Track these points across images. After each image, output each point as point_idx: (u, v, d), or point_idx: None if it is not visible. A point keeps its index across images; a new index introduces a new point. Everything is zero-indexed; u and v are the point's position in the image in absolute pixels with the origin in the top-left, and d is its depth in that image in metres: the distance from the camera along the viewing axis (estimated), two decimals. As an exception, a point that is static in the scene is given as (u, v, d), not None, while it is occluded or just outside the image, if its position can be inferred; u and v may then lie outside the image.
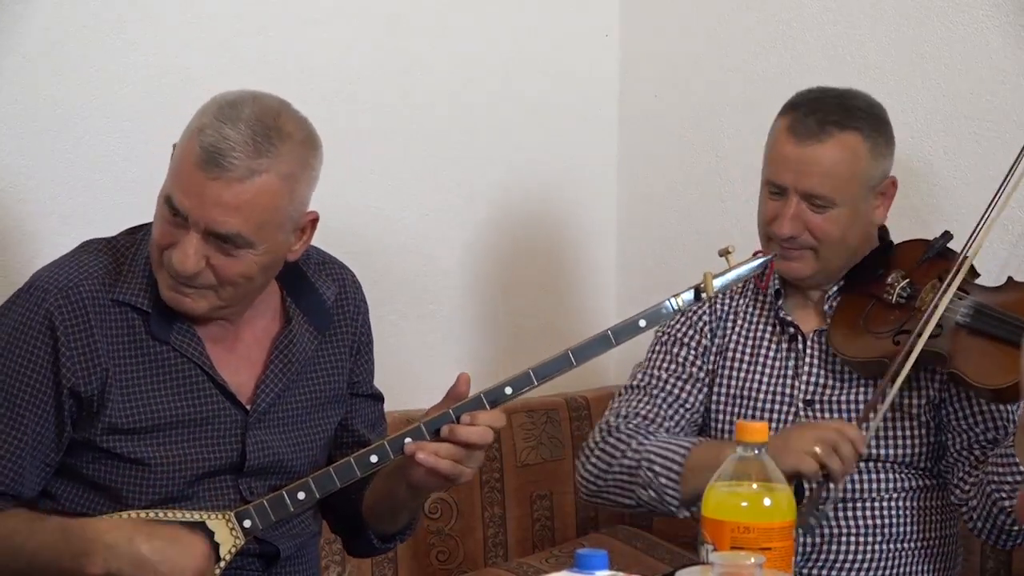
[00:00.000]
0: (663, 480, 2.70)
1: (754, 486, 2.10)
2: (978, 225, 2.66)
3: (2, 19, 2.89)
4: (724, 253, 2.42)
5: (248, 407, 2.43)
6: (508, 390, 2.38)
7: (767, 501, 2.09)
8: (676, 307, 2.41)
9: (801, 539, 2.72)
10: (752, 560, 1.94)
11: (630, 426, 2.82)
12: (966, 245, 2.66)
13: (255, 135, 2.28)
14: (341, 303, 2.56)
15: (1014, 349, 2.58)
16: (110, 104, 3.00)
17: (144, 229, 2.45)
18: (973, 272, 2.73)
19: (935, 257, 2.76)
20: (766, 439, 2.13)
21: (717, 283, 2.41)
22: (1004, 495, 2.60)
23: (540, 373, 2.38)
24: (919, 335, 2.61)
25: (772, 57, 3.48)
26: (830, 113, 2.73)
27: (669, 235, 3.71)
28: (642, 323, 2.41)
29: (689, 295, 2.41)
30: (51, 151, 2.96)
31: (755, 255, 2.52)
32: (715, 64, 3.59)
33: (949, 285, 2.62)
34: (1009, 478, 2.59)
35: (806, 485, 2.61)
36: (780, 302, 2.85)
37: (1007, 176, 2.68)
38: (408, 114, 3.45)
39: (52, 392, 2.35)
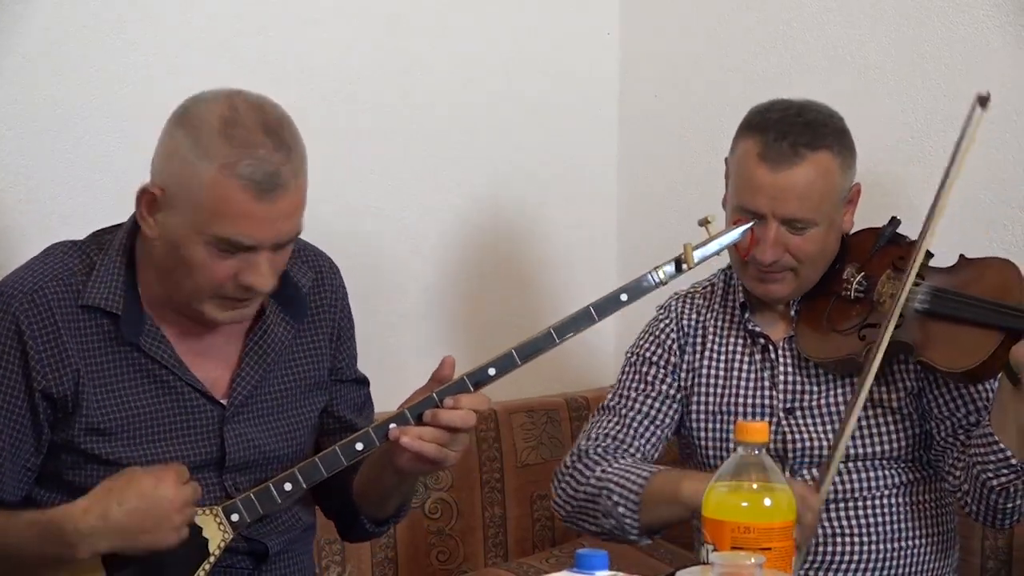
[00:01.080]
0: (621, 509, 2.70)
1: (754, 486, 2.10)
2: (929, 214, 2.63)
3: (2, 19, 2.89)
4: (704, 223, 2.41)
5: (224, 402, 2.43)
6: (492, 371, 2.37)
7: (767, 501, 2.09)
8: (657, 280, 2.40)
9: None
10: (752, 560, 1.94)
11: (598, 450, 2.81)
12: (921, 235, 2.64)
13: (274, 142, 2.27)
14: (318, 289, 2.55)
15: (977, 328, 2.59)
16: (110, 104, 3.00)
17: (115, 232, 2.44)
18: (927, 254, 2.70)
19: (886, 245, 2.76)
20: (766, 439, 2.13)
21: (697, 254, 2.40)
22: (991, 474, 2.60)
23: (523, 352, 2.37)
24: (883, 334, 2.58)
25: (772, 57, 3.47)
26: (800, 135, 2.70)
27: (669, 235, 3.70)
28: (624, 297, 2.40)
29: (670, 267, 2.40)
30: (51, 151, 2.96)
31: (735, 223, 2.51)
32: (715, 64, 3.59)
33: (907, 279, 2.61)
34: (992, 457, 2.59)
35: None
36: (747, 314, 2.84)
37: (951, 161, 2.62)
38: (408, 114, 3.44)
39: (25, 396, 2.34)
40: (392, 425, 2.35)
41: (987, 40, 3.16)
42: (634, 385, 2.88)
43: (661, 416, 2.86)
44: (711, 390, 2.85)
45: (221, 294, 2.33)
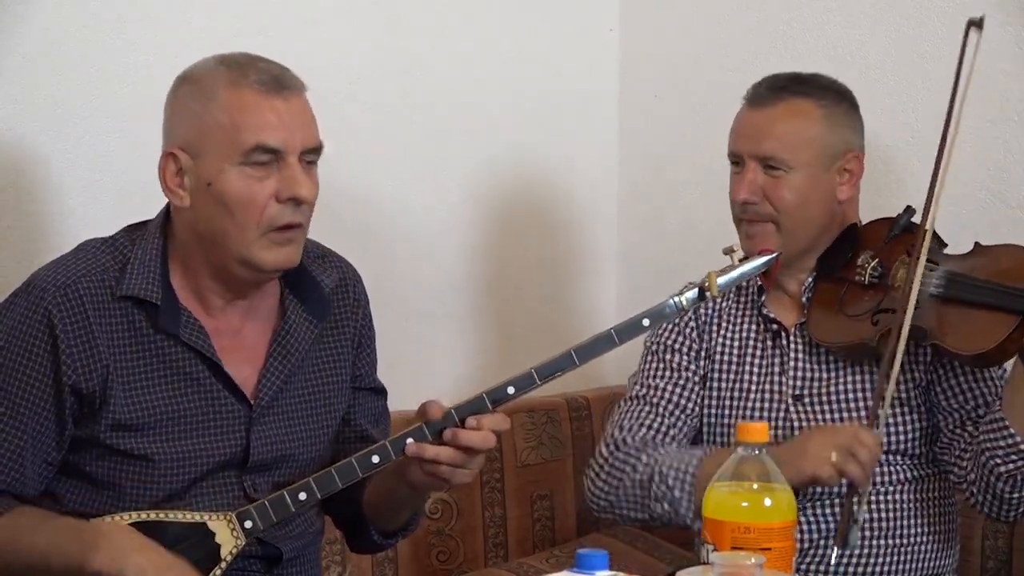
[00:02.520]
0: (677, 493, 2.71)
1: (754, 486, 2.10)
2: (930, 193, 2.64)
3: (2, 19, 2.89)
4: (728, 251, 2.41)
5: (252, 401, 2.44)
6: (511, 390, 2.38)
7: (767, 501, 2.09)
8: (680, 306, 2.41)
9: (798, 536, 2.71)
10: (752, 560, 1.94)
11: (637, 439, 2.83)
12: (924, 215, 2.65)
13: (270, 61, 2.41)
14: (342, 294, 2.56)
15: (992, 312, 2.59)
16: (110, 104, 3.00)
17: (145, 226, 2.46)
18: (941, 243, 2.73)
19: (901, 233, 2.76)
20: (767, 439, 2.13)
21: (721, 281, 2.40)
22: (999, 460, 2.61)
23: (543, 372, 2.38)
24: (904, 312, 2.59)
25: (772, 57, 3.47)
26: (783, 82, 2.80)
27: (669, 235, 3.71)
28: (645, 322, 2.41)
29: (693, 293, 2.41)
30: (51, 151, 2.96)
31: (760, 252, 2.51)
32: (715, 64, 3.59)
33: (918, 256, 2.62)
34: (1002, 442, 2.60)
35: (818, 490, 2.63)
36: (763, 298, 2.85)
37: (953, 95, 2.66)
38: (408, 114, 3.44)
39: (52, 390, 2.35)
40: (409, 440, 2.36)
41: (987, 40, 3.15)
42: (660, 372, 2.88)
43: (690, 406, 2.87)
44: (723, 375, 2.86)
45: (268, 223, 2.35)
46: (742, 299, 2.89)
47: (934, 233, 2.70)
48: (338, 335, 2.55)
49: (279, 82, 2.36)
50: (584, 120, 3.74)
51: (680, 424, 2.86)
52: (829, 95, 2.80)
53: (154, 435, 2.38)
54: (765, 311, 2.85)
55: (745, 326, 2.87)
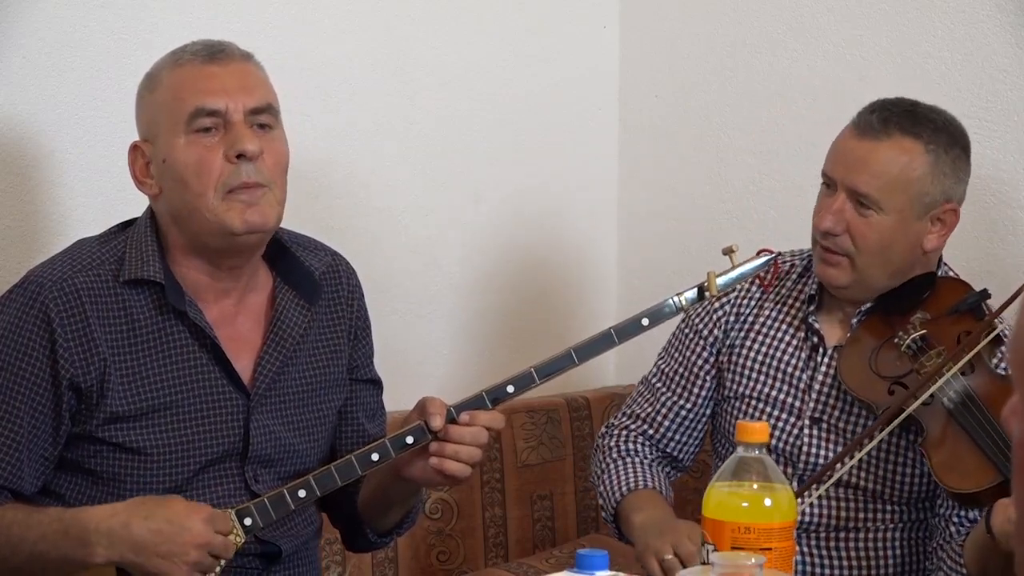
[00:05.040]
0: (604, 513, 2.82)
1: (755, 486, 2.10)
2: (994, 315, 2.54)
3: (2, 19, 2.89)
4: (728, 251, 2.40)
5: (249, 391, 2.44)
6: (510, 388, 2.39)
7: (768, 501, 2.09)
8: (679, 306, 2.40)
9: None
10: (752, 560, 1.94)
11: (622, 433, 2.87)
12: (983, 328, 2.53)
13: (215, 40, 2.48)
14: (335, 283, 2.56)
15: (982, 457, 2.47)
16: (110, 104, 3.00)
17: (134, 223, 2.47)
18: (997, 342, 2.58)
19: (966, 311, 2.63)
20: (767, 439, 2.13)
21: (720, 281, 2.39)
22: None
23: (542, 371, 2.39)
24: (907, 402, 2.52)
25: (772, 57, 3.47)
26: (896, 115, 2.65)
27: (669, 235, 3.70)
28: (645, 322, 2.41)
29: (692, 293, 2.40)
30: (51, 151, 2.96)
31: (759, 253, 2.48)
32: (715, 64, 3.59)
33: (953, 360, 2.51)
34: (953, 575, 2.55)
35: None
36: (812, 307, 2.76)
37: None
38: (408, 114, 3.44)
39: (50, 386, 2.35)
40: (409, 438, 2.37)
41: (987, 40, 3.16)
42: (675, 355, 2.88)
43: (694, 396, 2.85)
44: (745, 372, 2.79)
45: (223, 185, 2.36)
46: (791, 301, 2.80)
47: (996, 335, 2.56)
48: (333, 326, 2.55)
49: (213, 49, 2.41)
50: (584, 120, 3.74)
51: (675, 416, 2.86)
52: (941, 138, 2.65)
53: (151, 426, 2.38)
54: (811, 319, 2.75)
55: (783, 328, 2.78)
